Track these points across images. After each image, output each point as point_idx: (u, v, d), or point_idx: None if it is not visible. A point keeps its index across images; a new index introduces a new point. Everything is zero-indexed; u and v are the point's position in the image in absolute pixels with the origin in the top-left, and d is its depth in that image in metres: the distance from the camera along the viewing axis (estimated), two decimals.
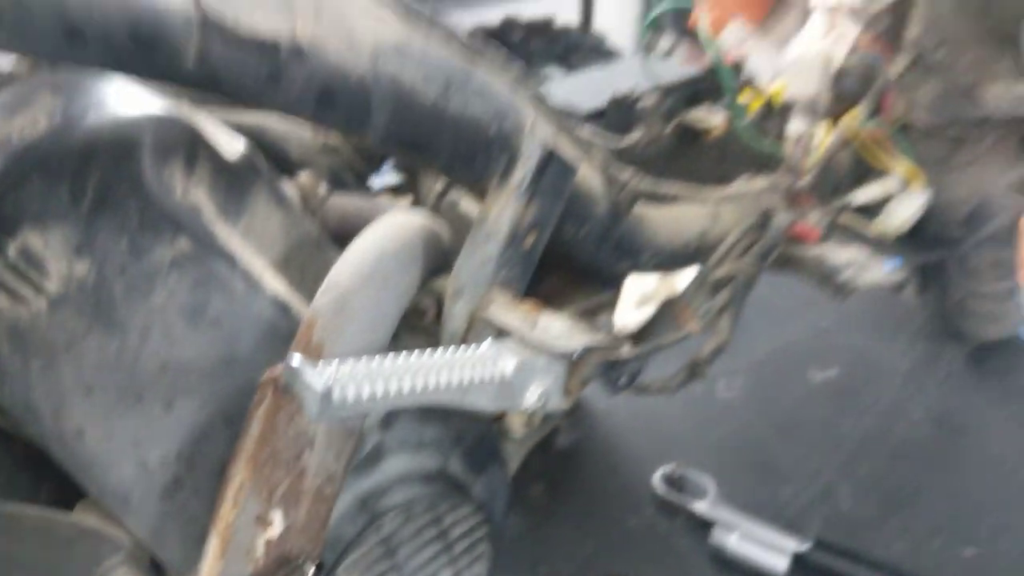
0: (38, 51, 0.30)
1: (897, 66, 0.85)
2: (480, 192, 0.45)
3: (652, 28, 0.83)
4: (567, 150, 0.47)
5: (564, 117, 0.47)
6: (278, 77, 0.34)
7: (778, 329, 1.26)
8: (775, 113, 0.78)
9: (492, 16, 2.91)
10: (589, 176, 0.51)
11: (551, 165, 0.44)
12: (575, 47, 2.89)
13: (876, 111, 0.84)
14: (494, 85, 0.42)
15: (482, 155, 0.43)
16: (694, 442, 1.08)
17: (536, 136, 0.44)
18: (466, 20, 2.90)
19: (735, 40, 1.04)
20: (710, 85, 0.74)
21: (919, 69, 0.86)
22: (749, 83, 0.74)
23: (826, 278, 0.67)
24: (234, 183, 0.49)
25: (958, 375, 1.19)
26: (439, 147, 0.41)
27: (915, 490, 1.01)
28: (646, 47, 0.79)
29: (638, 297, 1.24)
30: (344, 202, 0.61)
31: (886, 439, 1.09)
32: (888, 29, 0.86)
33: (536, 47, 2.84)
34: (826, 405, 1.14)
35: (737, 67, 0.75)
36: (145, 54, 0.31)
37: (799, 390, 1.17)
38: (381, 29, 0.37)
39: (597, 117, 0.67)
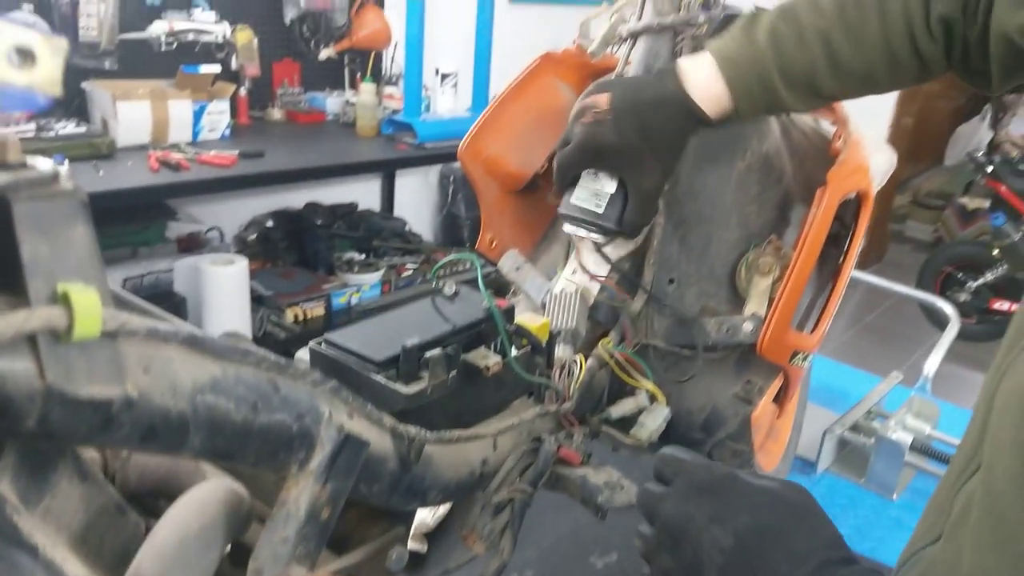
0: None
1: (637, 301, 1.04)
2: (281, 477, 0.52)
3: (438, 276, 0.96)
4: (360, 427, 0.56)
5: (356, 400, 0.56)
6: (109, 425, 0.39)
7: (564, 516, 1.37)
8: (542, 348, 0.92)
9: (296, 200, 3.03)
10: (379, 442, 0.60)
11: (346, 447, 0.52)
12: (377, 231, 3.06)
13: (623, 338, 1.01)
14: (296, 392, 0.50)
15: (284, 451, 0.50)
16: None
17: (332, 424, 0.52)
18: (270, 203, 3.00)
19: (510, 267, 1.21)
20: (488, 326, 0.86)
21: (654, 303, 1.05)
22: (518, 329, 0.88)
23: (587, 498, 0.79)
24: (37, 465, 0.52)
25: None
26: (247, 453, 0.48)
27: None
28: (433, 293, 0.91)
29: None
30: (145, 458, 0.65)
31: None
32: (630, 269, 1.05)
33: (339, 230, 2.97)
34: None
35: (509, 311, 0.88)
36: None
37: None
38: (199, 371, 0.44)
39: (391, 364, 0.76)
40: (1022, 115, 4.64)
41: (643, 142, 0.85)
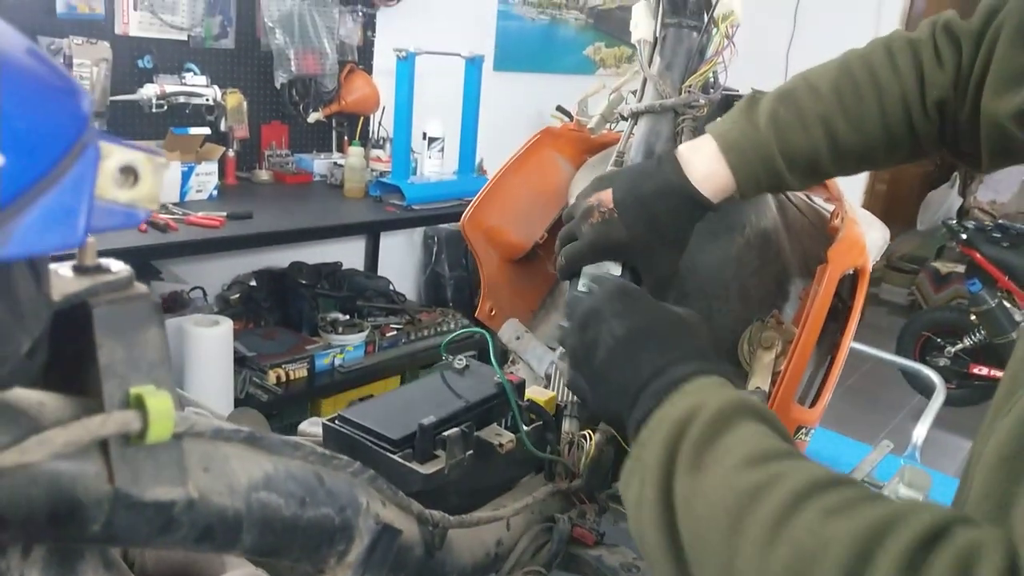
0: None
1: None
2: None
3: (446, 351, 0.96)
4: (392, 516, 0.55)
5: (388, 486, 0.56)
6: (169, 527, 0.39)
7: None
8: (553, 424, 0.92)
9: (280, 259, 3.03)
10: (408, 529, 0.59)
11: (382, 537, 0.52)
12: (362, 290, 3.06)
13: None
14: (338, 484, 0.50)
15: (326, 545, 0.50)
16: None
17: (370, 514, 0.52)
18: (254, 262, 2.99)
19: (510, 336, 1.22)
20: (501, 401, 0.87)
21: None
22: (530, 405, 0.88)
23: None
24: (66, 556, 0.51)
25: None
26: (293, 549, 0.48)
27: None
28: (442, 366, 0.91)
29: None
30: None
31: None
32: None
33: (323, 289, 2.96)
34: None
35: (520, 386, 0.89)
36: (57, 528, 0.36)
37: None
38: (253, 467, 0.44)
39: (407, 443, 0.76)
40: (988, 182, 4.80)
41: (652, 234, 0.85)
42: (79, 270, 0.36)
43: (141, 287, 0.37)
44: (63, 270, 0.36)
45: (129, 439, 0.35)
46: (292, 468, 0.46)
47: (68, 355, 0.37)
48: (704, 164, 0.85)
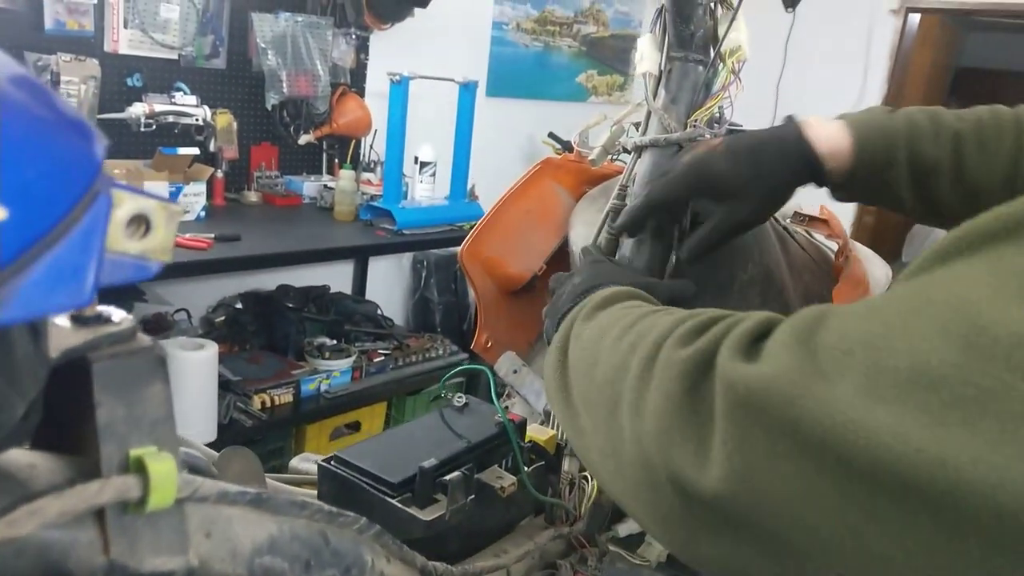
0: None
1: None
2: None
3: (446, 387, 0.93)
4: (397, 573, 0.52)
5: (393, 541, 0.53)
6: None
7: None
8: (555, 466, 0.89)
9: (267, 281, 2.99)
10: None
11: None
12: (349, 315, 3.02)
13: None
14: (343, 542, 0.48)
15: None
16: None
17: (375, 573, 0.49)
18: (240, 284, 2.95)
19: (507, 370, 1.19)
20: (501, 442, 0.84)
21: None
22: (533, 445, 0.86)
23: None
24: None
25: None
26: None
27: None
28: (441, 403, 0.89)
29: None
30: None
31: None
32: None
33: (310, 313, 2.92)
34: None
35: (522, 426, 0.86)
36: None
37: None
38: (257, 530, 0.41)
39: (406, 487, 0.73)
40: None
41: (753, 176, 0.81)
42: (78, 321, 0.33)
43: (144, 339, 0.34)
44: (60, 320, 0.33)
45: (128, 507, 0.32)
46: (297, 528, 0.44)
47: (62, 411, 0.34)
48: (826, 131, 0.82)
